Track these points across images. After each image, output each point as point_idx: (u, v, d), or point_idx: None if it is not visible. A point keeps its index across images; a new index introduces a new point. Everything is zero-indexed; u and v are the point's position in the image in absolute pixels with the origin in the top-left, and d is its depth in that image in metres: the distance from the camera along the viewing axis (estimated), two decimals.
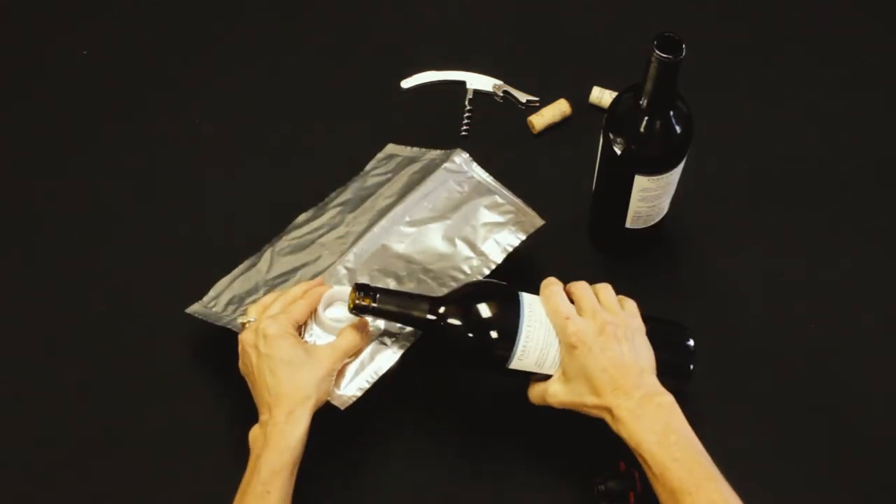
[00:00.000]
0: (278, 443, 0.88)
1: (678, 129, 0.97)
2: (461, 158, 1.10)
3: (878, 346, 1.08)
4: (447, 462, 1.03)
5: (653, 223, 1.08)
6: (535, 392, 0.96)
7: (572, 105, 1.22)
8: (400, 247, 1.04)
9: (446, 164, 1.09)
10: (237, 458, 0.93)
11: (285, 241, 1.09)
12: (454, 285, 1.01)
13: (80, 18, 1.33)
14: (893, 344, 1.09)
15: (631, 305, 0.96)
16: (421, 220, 1.06)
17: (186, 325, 1.06)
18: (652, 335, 0.94)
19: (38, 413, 1.05)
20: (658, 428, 0.88)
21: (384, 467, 1.02)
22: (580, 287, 0.95)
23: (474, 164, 1.09)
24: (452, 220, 1.05)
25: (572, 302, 0.94)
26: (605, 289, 0.96)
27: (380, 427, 1.01)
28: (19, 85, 1.28)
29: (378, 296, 0.92)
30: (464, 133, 1.22)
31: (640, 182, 1.00)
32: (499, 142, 1.22)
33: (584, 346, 0.90)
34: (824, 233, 1.15)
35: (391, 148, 1.18)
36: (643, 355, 0.92)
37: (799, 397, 1.05)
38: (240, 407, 0.98)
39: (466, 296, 0.94)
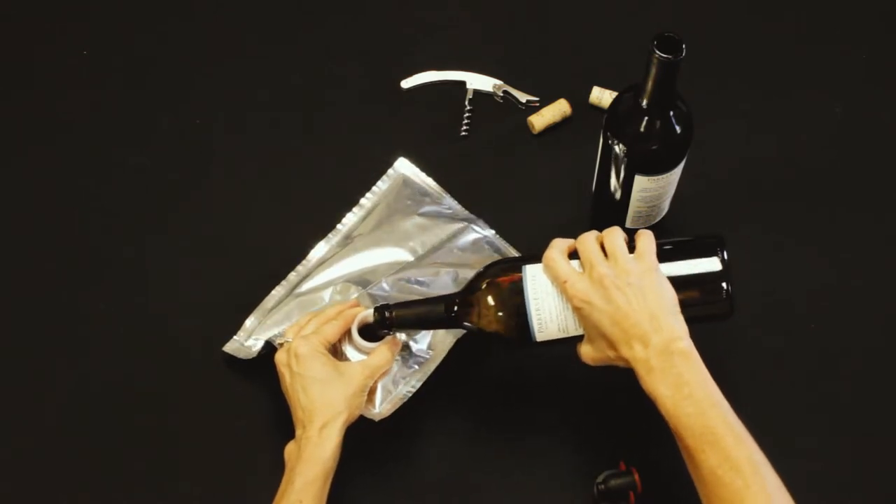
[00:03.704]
0: (311, 456, 0.91)
1: (678, 129, 0.97)
2: (490, 232, 1.12)
3: (878, 346, 1.08)
4: (447, 462, 1.03)
5: (653, 223, 1.08)
6: (577, 353, 0.95)
7: (572, 105, 1.22)
8: (430, 280, 1.08)
9: (475, 228, 1.12)
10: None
11: (312, 280, 1.10)
12: None
13: (80, 18, 1.33)
14: (894, 344, 1.09)
15: (643, 244, 0.91)
16: (450, 263, 1.09)
17: (223, 344, 1.07)
18: (673, 267, 0.91)
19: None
20: (671, 380, 0.86)
21: (387, 470, 1.02)
22: (582, 242, 0.92)
23: (504, 242, 1.12)
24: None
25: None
26: (610, 234, 0.91)
27: (385, 431, 1.01)
28: (19, 85, 1.28)
29: (395, 309, 0.96)
30: (464, 133, 1.22)
31: (640, 182, 1.00)
32: (499, 142, 1.22)
33: (587, 304, 0.89)
34: (824, 232, 1.15)
35: (405, 167, 1.17)
36: (652, 298, 0.88)
37: (799, 397, 1.05)
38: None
39: (475, 288, 0.95)
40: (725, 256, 0.92)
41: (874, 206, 1.17)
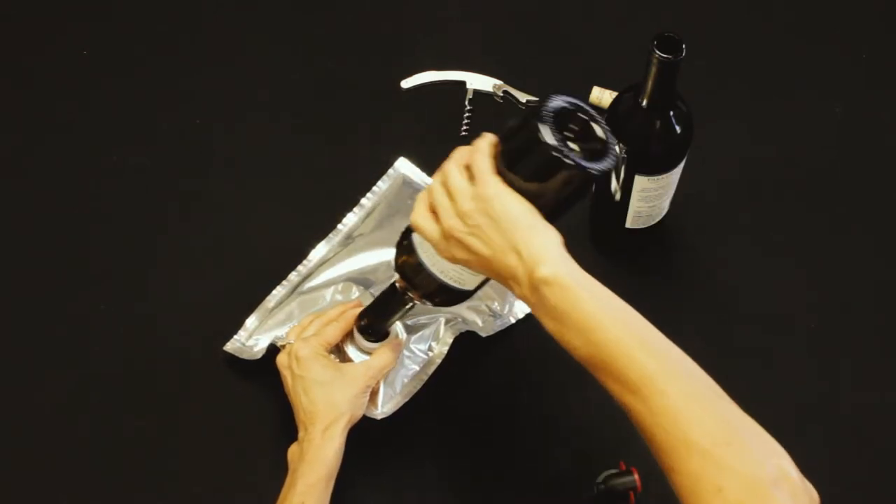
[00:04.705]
0: (314, 457, 0.92)
1: (678, 129, 0.97)
2: None
3: (878, 347, 1.08)
4: (447, 462, 1.03)
5: (653, 223, 1.08)
6: None
7: None
8: None
9: None
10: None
11: (314, 280, 1.10)
12: (473, 321, 1.07)
13: (80, 18, 1.33)
14: (894, 344, 1.09)
15: (476, 166, 0.79)
16: None
17: (223, 345, 1.07)
18: (515, 174, 0.78)
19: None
20: (550, 314, 0.76)
21: (388, 470, 1.02)
22: (430, 194, 0.82)
23: None
24: None
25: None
26: (444, 171, 0.81)
27: (385, 431, 1.01)
28: (19, 85, 1.28)
29: (366, 315, 0.99)
30: (464, 133, 1.22)
31: (641, 182, 1.00)
32: None
33: (458, 260, 0.81)
34: (824, 232, 1.16)
35: (405, 167, 1.17)
36: (505, 227, 0.77)
37: (798, 397, 1.05)
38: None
39: (397, 266, 0.91)
40: (546, 137, 0.76)
41: (874, 207, 1.17)
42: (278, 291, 1.09)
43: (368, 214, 1.14)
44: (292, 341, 0.98)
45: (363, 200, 1.15)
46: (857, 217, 1.16)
